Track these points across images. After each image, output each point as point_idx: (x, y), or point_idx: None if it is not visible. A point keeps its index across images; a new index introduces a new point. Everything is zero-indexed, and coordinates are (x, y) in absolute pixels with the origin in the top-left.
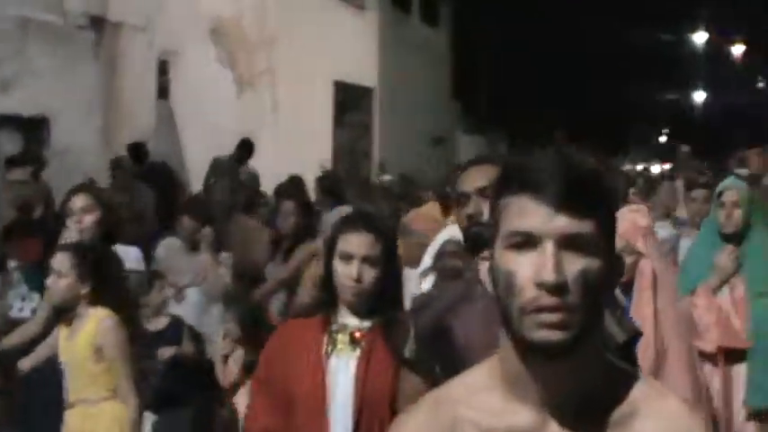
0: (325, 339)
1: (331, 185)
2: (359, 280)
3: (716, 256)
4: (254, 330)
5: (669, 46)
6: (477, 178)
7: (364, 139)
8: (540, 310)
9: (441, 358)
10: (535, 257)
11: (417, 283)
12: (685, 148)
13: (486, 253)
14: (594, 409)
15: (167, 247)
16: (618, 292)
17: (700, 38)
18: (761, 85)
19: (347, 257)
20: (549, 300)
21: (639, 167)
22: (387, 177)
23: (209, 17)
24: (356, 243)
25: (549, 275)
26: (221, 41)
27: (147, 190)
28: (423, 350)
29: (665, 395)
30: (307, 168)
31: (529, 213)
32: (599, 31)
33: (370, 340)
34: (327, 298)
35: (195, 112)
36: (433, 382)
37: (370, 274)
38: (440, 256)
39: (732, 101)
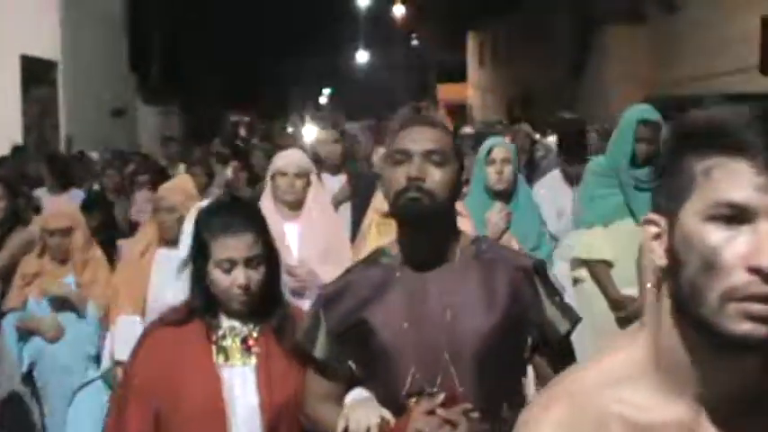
0: (213, 349)
1: (63, 168)
2: (247, 287)
3: (487, 213)
4: None
5: (332, 8)
6: (424, 140)
7: (52, 114)
8: (751, 298)
9: (357, 356)
10: (748, 235)
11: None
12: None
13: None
14: (751, 406)
15: None
16: (554, 274)
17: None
18: (415, 42)
19: (229, 264)
20: (764, 288)
21: None
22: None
23: None
24: (237, 247)
25: None
26: None
27: None
28: (336, 349)
29: None
30: None
31: (743, 182)
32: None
33: (264, 345)
34: (203, 304)
35: None
36: (349, 381)
37: (256, 277)
38: None
39: (392, 59)
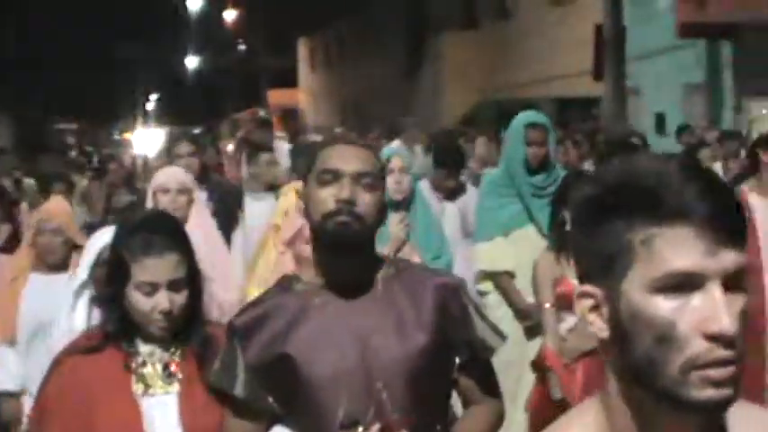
0: (132, 378)
1: None
2: (169, 311)
3: (388, 224)
4: None
5: (162, 12)
6: (355, 160)
7: None
8: (712, 364)
9: (279, 391)
10: (700, 302)
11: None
12: None
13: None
14: None
15: None
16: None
17: (194, 4)
18: (243, 47)
19: (150, 287)
20: (723, 353)
21: None
22: None
23: None
24: (160, 269)
25: (727, 326)
26: None
27: None
28: (257, 384)
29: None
30: None
31: (689, 249)
32: None
33: (187, 370)
34: (118, 329)
35: None
36: (270, 418)
37: (180, 301)
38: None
39: (222, 64)
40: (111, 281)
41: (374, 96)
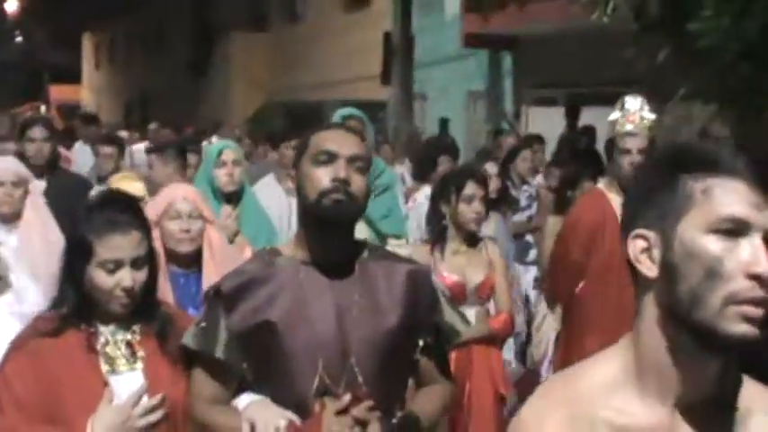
0: (100, 359)
1: None
2: (131, 288)
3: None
4: None
5: None
6: (350, 144)
7: None
8: (749, 302)
9: (256, 357)
10: (747, 246)
11: None
12: None
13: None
14: (720, 407)
15: None
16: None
17: None
18: (20, 39)
19: (114, 265)
20: (761, 293)
21: None
22: None
23: None
24: (124, 246)
25: (766, 268)
26: None
27: None
28: (237, 349)
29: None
30: None
31: (742, 199)
32: None
33: (148, 348)
34: (78, 309)
35: None
36: (241, 382)
37: (141, 278)
38: None
39: (1, 57)
40: (70, 261)
41: (161, 95)
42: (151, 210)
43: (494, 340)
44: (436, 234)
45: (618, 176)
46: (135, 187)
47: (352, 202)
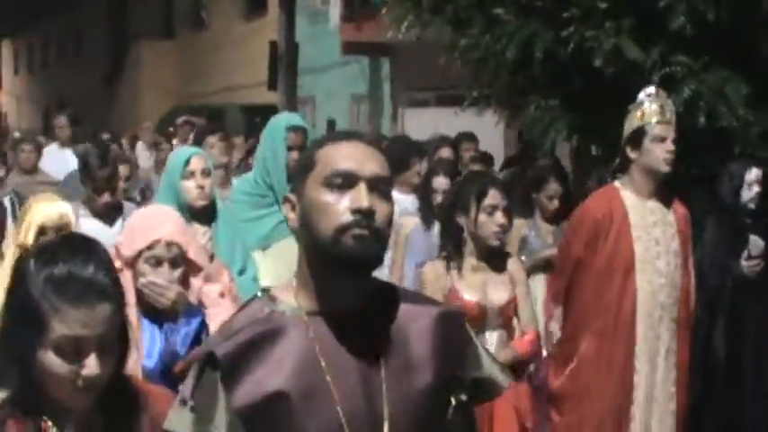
0: None
1: None
2: (98, 378)
3: None
4: None
5: None
6: (371, 162)
7: None
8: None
9: None
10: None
11: None
12: None
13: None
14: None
15: None
16: None
17: None
18: None
19: (74, 346)
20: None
21: None
22: None
23: None
24: (86, 323)
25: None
26: None
27: None
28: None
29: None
30: None
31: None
32: None
33: None
34: (23, 395)
35: None
36: None
37: (109, 363)
38: None
39: None
40: (17, 336)
41: (77, 101)
42: (125, 245)
43: (520, 365)
44: (452, 249)
45: (648, 168)
46: (61, 208)
47: (377, 240)
